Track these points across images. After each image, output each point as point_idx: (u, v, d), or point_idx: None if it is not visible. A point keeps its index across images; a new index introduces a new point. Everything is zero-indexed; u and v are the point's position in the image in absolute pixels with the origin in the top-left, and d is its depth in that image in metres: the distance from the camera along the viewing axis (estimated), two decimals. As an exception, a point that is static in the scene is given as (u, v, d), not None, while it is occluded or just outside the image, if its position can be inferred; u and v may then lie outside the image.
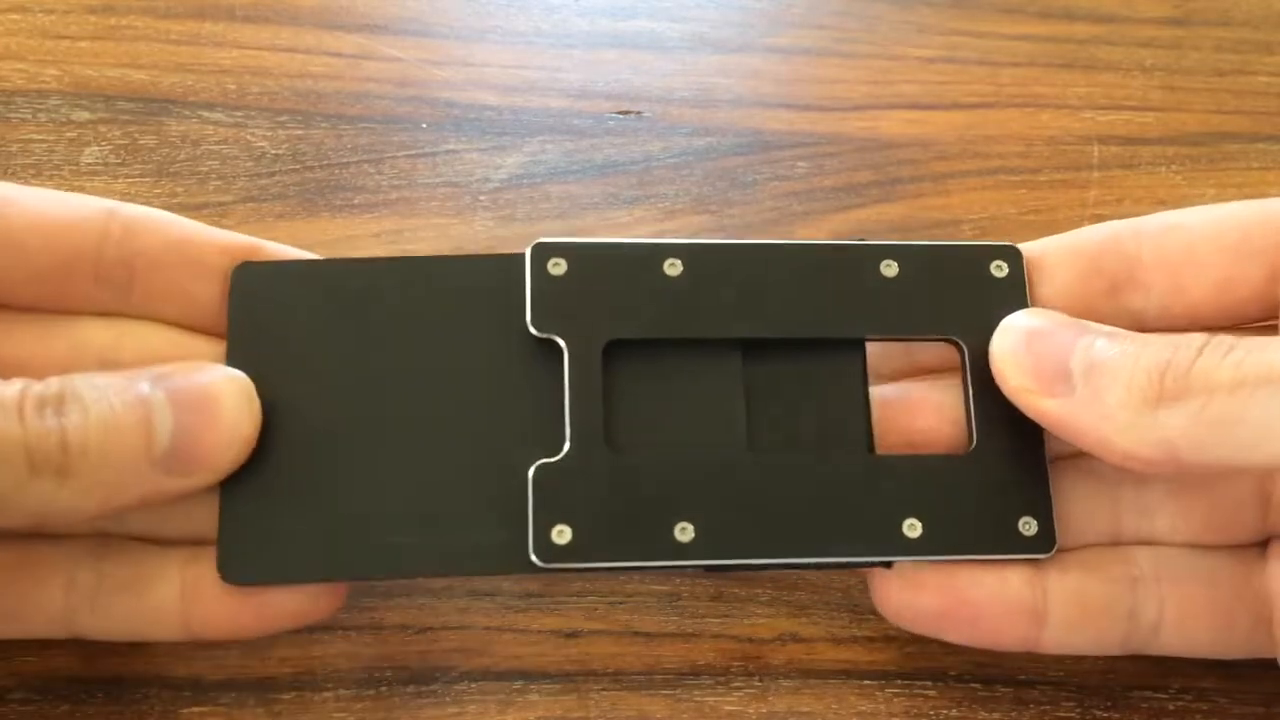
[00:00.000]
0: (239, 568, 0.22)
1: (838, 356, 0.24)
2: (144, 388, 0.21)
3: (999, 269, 0.24)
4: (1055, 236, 0.25)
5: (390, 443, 0.23)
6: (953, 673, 0.25)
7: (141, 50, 0.32)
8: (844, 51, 0.34)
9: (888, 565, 0.24)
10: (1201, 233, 0.24)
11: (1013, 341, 0.23)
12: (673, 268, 0.24)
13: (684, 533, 0.22)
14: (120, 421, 0.20)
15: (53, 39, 0.32)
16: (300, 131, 0.31)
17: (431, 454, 0.23)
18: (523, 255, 0.24)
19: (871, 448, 0.24)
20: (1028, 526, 0.23)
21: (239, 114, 0.32)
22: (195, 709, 0.24)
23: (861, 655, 0.25)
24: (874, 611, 0.26)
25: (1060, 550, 0.23)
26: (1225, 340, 0.20)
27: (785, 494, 0.23)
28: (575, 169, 0.31)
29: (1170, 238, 0.24)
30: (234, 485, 0.22)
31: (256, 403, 0.22)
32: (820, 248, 0.24)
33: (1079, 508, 0.24)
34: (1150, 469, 0.21)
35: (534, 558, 0.22)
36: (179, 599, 0.22)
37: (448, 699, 0.24)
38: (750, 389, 0.24)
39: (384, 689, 0.24)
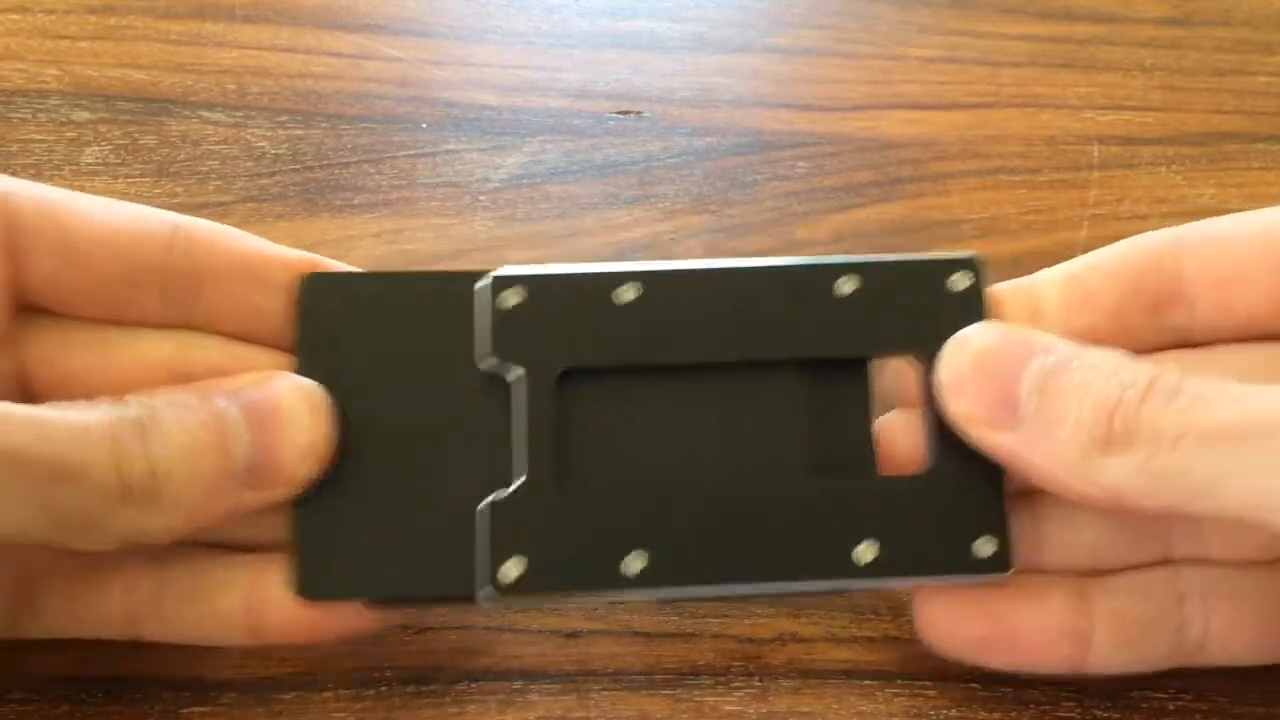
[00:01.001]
0: (314, 584, 0.22)
1: (795, 380, 0.24)
2: (220, 404, 0.21)
3: (958, 282, 0.24)
4: (1086, 257, 0.24)
5: (445, 458, 0.23)
6: (953, 673, 0.25)
7: (141, 50, 0.32)
8: (844, 51, 0.34)
9: (840, 593, 0.24)
10: (1250, 248, 0.23)
11: (958, 365, 0.22)
12: (627, 294, 0.23)
13: (637, 561, 0.22)
14: (200, 443, 0.21)
15: (53, 39, 0.32)
16: (300, 131, 0.31)
17: (468, 473, 0.23)
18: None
19: (829, 470, 0.23)
20: (985, 547, 0.22)
21: (239, 114, 0.32)
22: (195, 709, 0.24)
23: (861, 655, 0.25)
24: (874, 611, 0.26)
25: (1110, 573, 0.23)
26: (1171, 382, 0.20)
27: (737, 521, 0.23)
28: (575, 169, 0.31)
29: (1216, 253, 0.23)
30: (306, 502, 0.22)
31: (328, 410, 0.22)
32: (775, 268, 0.24)
33: (1126, 535, 0.24)
34: (1099, 507, 0.21)
35: (483, 591, 0.22)
36: (244, 606, 0.22)
37: (448, 699, 0.24)
38: (704, 415, 0.23)
39: (384, 689, 0.24)
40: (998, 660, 0.23)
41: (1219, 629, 0.23)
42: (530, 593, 0.22)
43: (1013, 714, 0.24)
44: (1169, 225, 0.25)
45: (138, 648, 0.24)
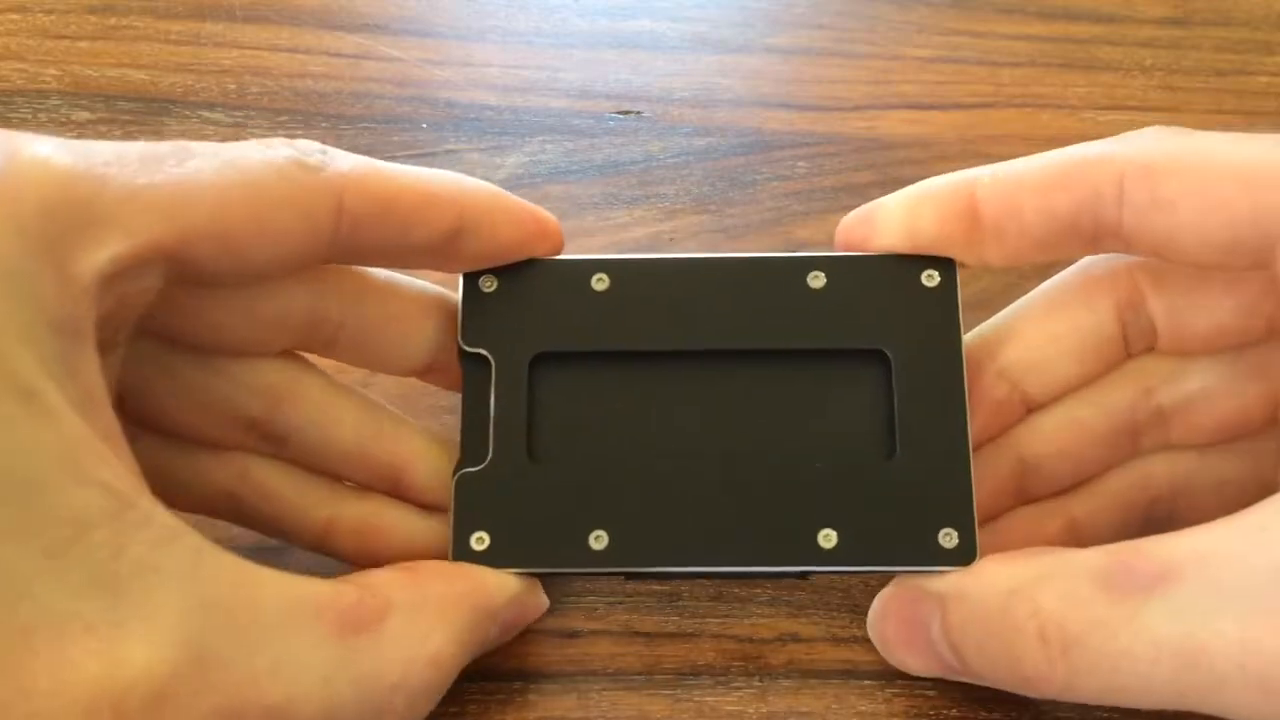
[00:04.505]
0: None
1: (764, 368, 0.24)
2: (493, 633, 0.23)
3: (930, 278, 0.24)
4: (1021, 170, 0.23)
5: (595, 438, 0.24)
6: (953, 673, 0.25)
7: (141, 50, 0.32)
8: (844, 51, 0.34)
9: (803, 577, 0.24)
10: (1190, 184, 0.22)
11: (881, 643, 0.24)
12: (600, 282, 0.24)
13: (598, 541, 0.23)
14: (464, 659, 0.22)
15: (53, 39, 0.32)
16: (300, 131, 0.31)
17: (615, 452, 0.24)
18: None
19: (795, 458, 0.23)
20: (948, 538, 0.22)
21: (239, 114, 0.32)
22: (195, 709, 0.24)
23: (861, 655, 0.25)
24: (874, 611, 0.26)
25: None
26: (1062, 632, 0.20)
27: (700, 503, 0.23)
28: (575, 169, 0.31)
29: (1163, 192, 0.22)
30: (467, 475, 0.23)
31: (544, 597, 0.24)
32: (747, 261, 0.24)
33: None
34: None
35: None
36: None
37: (448, 699, 0.24)
38: (672, 401, 0.24)
39: (384, 689, 0.24)
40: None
41: None
42: (495, 566, 0.23)
43: (1013, 714, 0.24)
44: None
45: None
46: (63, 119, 0.31)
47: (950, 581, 0.22)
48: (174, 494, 0.24)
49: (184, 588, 0.18)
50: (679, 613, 0.26)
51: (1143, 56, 0.34)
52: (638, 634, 0.25)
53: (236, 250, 0.21)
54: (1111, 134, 0.32)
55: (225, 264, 0.21)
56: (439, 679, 0.21)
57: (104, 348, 0.21)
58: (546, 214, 0.24)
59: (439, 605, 0.21)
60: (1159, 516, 0.25)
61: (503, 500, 0.23)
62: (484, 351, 0.24)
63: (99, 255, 0.19)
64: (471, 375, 0.24)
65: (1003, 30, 0.34)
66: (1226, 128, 0.32)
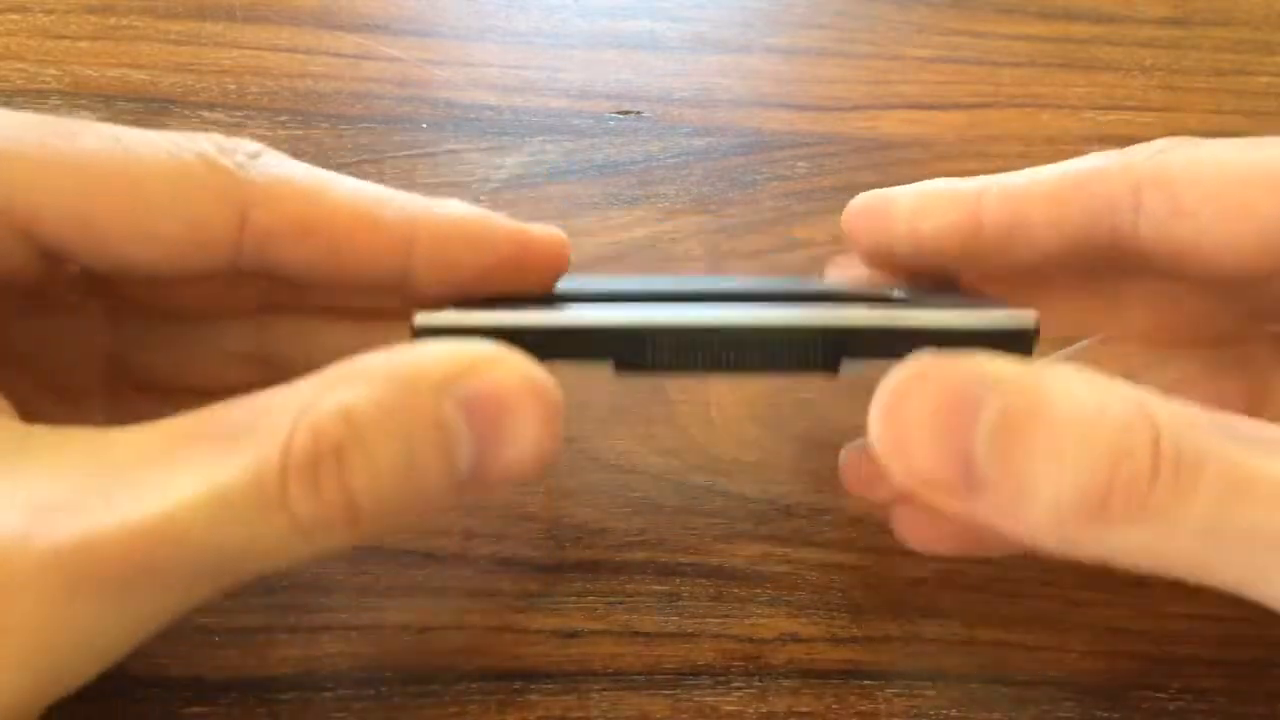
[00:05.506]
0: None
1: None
2: (445, 411, 0.17)
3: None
4: (1026, 185, 0.23)
5: None
6: (953, 673, 0.25)
7: (141, 50, 0.32)
8: (844, 51, 0.34)
9: (833, 365, 0.19)
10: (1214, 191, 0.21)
11: (891, 418, 0.18)
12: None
13: (582, 309, 0.20)
14: (418, 466, 0.17)
15: (53, 39, 0.32)
16: (300, 131, 0.31)
17: None
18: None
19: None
20: (1014, 319, 0.20)
21: (239, 114, 0.32)
22: (195, 709, 0.24)
23: (861, 655, 0.25)
24: (874, 611, 0.26)
25: None
26: (1186, 453, 0.17)
27: (710, 303, 0.20)
28: (575, 169, 0.31)
29: (1181, 214, 0.21)
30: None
31: (559, 404, 0.18)
32: (783, 330, 0.20)
33: None
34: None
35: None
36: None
37: (448, 699, 0.24)
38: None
39: (384, 689, 0.24)
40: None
41: None
42: (461, 336, 0.18)
43: (1012, 714, 0.24)
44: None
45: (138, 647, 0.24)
46: (63, 119, 0.31)
47: (1022, 368, 0.17)
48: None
49: (9, 462, 0.17)
50: (679, 613, 0.26)
51: (1143, 56, 0.34)
52: (638, 634, 0.25)
53: (108, 242, 0.19)
54: (1112, 134, 0.32)
55: (101, 256, 0.19)
56: (354, 435, 0.17)
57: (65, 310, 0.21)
58: (542, 237, 0.21)
59: (338, 374, 0.17)
60: None
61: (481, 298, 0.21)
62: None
63: None
64: None
65: (1003, 30, 0.34)
66: (1227, 128, 0.33)
